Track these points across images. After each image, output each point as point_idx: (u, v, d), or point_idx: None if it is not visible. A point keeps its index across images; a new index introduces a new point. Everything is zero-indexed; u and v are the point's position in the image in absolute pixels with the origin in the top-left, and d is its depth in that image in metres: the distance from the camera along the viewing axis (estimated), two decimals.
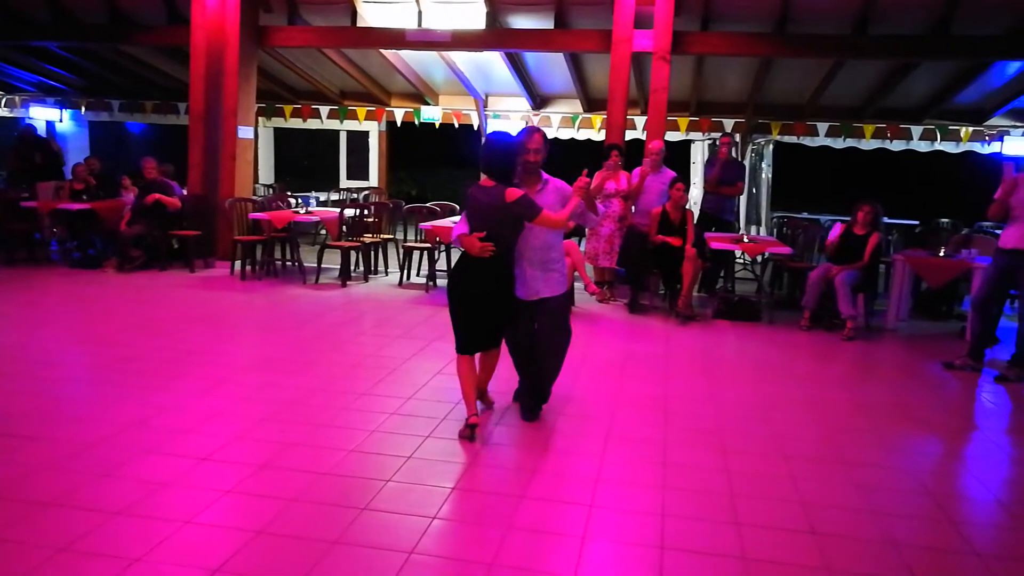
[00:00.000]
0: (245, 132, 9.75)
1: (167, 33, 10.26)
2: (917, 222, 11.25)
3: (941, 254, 7.49)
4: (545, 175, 4.36)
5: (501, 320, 4.26)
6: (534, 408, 4.48)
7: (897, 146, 11.67)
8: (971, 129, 11.32)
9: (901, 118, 11.42)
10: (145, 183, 9.05)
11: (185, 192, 9.64)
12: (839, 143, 11.89)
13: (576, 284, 7.67)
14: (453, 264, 4.30)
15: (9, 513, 3.07)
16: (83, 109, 14.33)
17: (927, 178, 17.91)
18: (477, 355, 4.29)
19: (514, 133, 4.27)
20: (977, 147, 11.41)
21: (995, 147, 11.18)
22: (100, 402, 4.46)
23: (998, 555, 3.17)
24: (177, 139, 11.12)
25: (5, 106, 14.45)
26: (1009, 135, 11.06)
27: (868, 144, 11.76)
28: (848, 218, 7.45)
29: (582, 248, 8.31)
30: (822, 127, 11.68)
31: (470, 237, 4.06)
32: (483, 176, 4.17)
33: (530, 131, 4.33)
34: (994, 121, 11.27)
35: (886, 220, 8.85)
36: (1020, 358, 5.85)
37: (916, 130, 11.44)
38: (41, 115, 14.12)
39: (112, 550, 2.82)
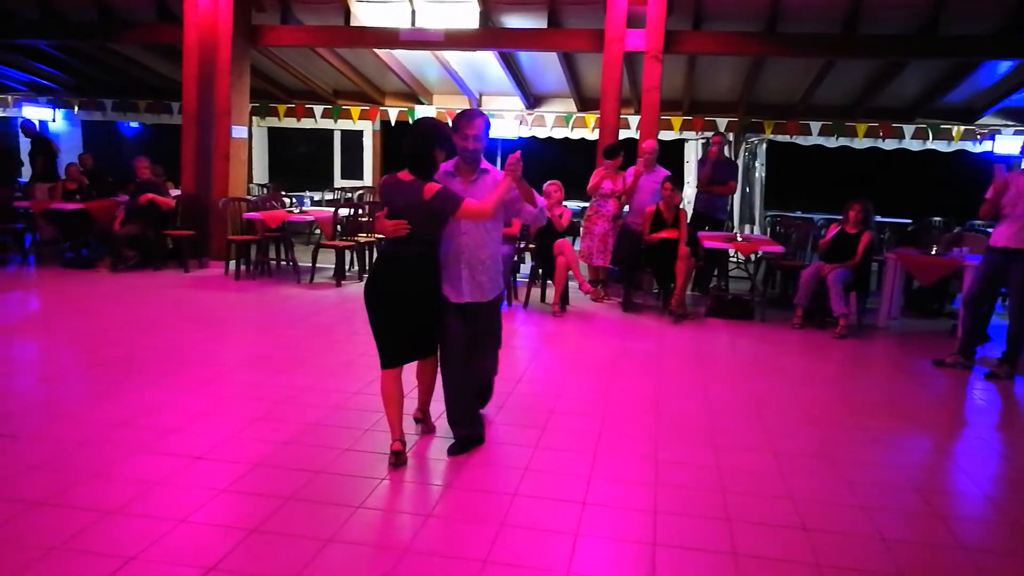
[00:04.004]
0: (239, 132, 9.75)
1: (157, 31, 10.24)
2: (909, 220, 11.32)
3: (932, 252, 7.53)
4: (485, 164, 3.90)
5: (429, 322, 3.82)
6: (465, 442, 3.95)
7: (889, 145, 11.75)
8: (963, 128, 11.40)
9: (892, 117, 11.49)
10: (138, 183, 9.03)
11: (178, 192, 9.64)
12: (832, 142, 11.97)
13: (571, 283, 7.70)
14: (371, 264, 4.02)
15: (1, 511, 3.07)
16: (76, 108, 14.29)
17: (919, 177, 17.97)
18: (415, 369, 4.01)
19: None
20: (969, 146, 11.48)
21: (987, 146, 11.26)
22: (94, 400, 4.45)
23: (986, 549, 3.20)
24: (170, 139, 11.07)
25: None
26: (1000, 134, 11.12)
27: (861, 143, 11.84)
28: (840, 217, 7.50)
29: (576, 247, 8.34)
30: (815, 126, 11.76)
31: (380, 219, 3.65)
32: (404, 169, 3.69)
33: (471, 115, 3.77)
34: (985, 120, 11.35)
35: (878, 219, 8.89)
36: (1011, 355, 5.89)
37: (908, 129, 11.53)
38: (34, 115, 14.03)
39: (107, 548, 2.83)
